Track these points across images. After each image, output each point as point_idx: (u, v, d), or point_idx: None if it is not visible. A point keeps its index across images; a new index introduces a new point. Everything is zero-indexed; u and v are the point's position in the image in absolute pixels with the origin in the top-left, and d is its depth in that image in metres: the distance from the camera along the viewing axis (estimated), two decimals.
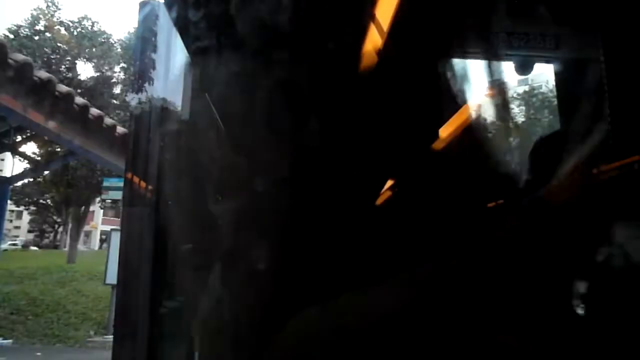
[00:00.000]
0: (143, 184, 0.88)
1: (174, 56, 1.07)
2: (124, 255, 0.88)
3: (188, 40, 1.25)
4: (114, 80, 18.49)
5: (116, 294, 0.89)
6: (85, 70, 25.39)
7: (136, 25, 0.95)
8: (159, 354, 0.93)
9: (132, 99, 0.90)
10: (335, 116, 0.44)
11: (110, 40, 18.61)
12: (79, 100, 5.39)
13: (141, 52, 0.93)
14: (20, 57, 4.42)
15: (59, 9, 18.40)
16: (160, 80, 0.95)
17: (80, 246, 22.84)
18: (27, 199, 24.45)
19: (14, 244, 28.93)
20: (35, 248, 28.58)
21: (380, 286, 0.38)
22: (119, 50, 18.42)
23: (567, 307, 0.34)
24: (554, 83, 1.31)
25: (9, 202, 9.24)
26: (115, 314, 0.92)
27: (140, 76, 0.94)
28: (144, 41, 0.94)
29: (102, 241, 33.65)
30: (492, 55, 1.52)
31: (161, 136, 0.92)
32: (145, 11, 0.92)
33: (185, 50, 1.19)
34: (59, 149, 13.40)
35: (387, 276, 0.38)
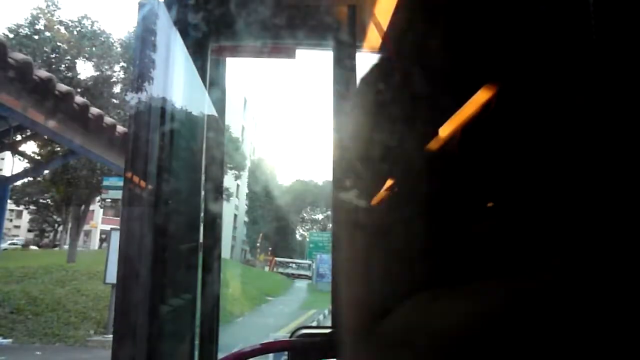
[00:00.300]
0: (142, 183, 0.88)
1: (173, 55, 1.07)
2: (124, 254, 0.88)
3: (188, 39, 1.25)
4: (113, 79, 18.50)
5: (116, 293, 0.89)
6: (85, 70, 25.42)
7: (136, 25, 0.95)
8: (159, 353, 0.93)
9: (132, 98, 0.90)
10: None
11: (110, 39, 18.61)
12: (79, 99, 5.39)
13: (140, 52, 0.93)
14: (20, 56, 4.42)
15: (59, 8, 18.42)
16: (160, 79, 0.95)
17: (80, 246, 22.86)
18: (27, 199, 24.48)
19: (13, 244, 28.97)
20: (35, 247, 28.60)
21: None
22: (119, 49, 18.42)
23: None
24: None
25: (8, 201, 9.23)
26: (115, 313, 0.92)
27: (139, 75, 0.94)
28: (143, 41, 0.94)
29: (102, 240, 33.69)
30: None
31: (161, 135, 0.92)
32: (145, 10, 0.92)
33: (185, 50, 1.19)
34: (58, 148, 13.42)
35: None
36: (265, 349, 1.53)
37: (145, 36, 0.94)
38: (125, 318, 0.86)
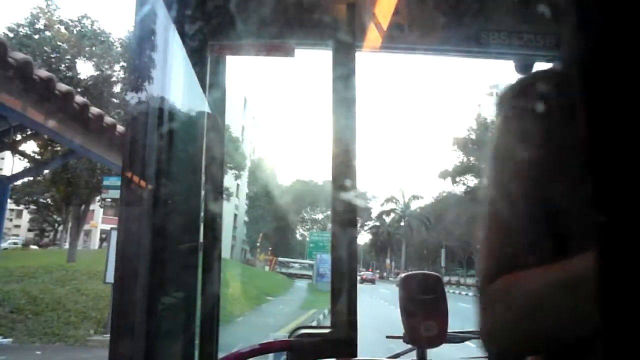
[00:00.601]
0: (141, 182, 0.87)
1: (172, 55, 1.07)
2: (122, 253, 0.88)
3: (187, 38, 1.24)
4: (113, 79, 18.50)
5: (113, 293, 0.89)
6: (85, 69, 25.40)
7: (134, 24, 0.94)
8: (158, 353, 0.93)
9: (130, 97, 0.89)
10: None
11: (110, 39, 18.61)
12: (79, 99, 5.38)
13: (139, 51, 0.93)
14: (20, 55, 4.41)
15: (59, 8, 18.47)
16: (159, 79, 0.95)
17: (80, 245, 22.86)
18: (27, 198, 24.51)
19: (14, 243, 28.98)
20: (35, 247, 28.61)
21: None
22: (119, 49, 18.42)
23: None
24: None
25: (9, 201, 9.23)
26: (112, 312, 0.91)
27: (138, 75, 0.93)
28: (142, 40, 0.94)
29: (102, 240, 33.72)
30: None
31: (159, 135, 0.91)
32: (144, 9, 0.91)
33: (184, 49, 1.19)
34: (59, 148, 13.41)
35: None
36: (265, 349, 1.53)
37: (144, 35, 0.93)
38: (123, 317, 0.86)
